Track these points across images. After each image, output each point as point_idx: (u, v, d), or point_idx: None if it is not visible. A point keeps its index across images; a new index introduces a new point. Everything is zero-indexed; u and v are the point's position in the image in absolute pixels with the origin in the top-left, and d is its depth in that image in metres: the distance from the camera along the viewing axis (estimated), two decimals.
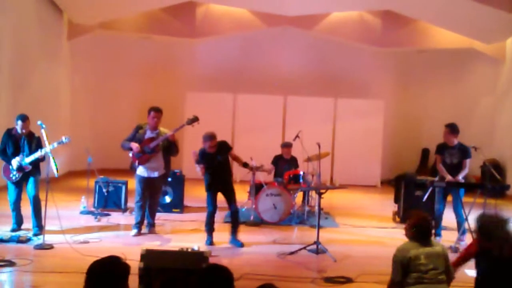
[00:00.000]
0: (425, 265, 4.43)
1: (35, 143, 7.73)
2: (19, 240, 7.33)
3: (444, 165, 8.46)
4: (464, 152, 8.40)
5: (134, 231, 8.13)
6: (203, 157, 7.78)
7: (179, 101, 15.18)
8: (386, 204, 11.36)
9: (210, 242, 7.77)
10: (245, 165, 8.39)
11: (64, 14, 13.81)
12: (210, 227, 7.88)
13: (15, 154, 7.69)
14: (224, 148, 7.88)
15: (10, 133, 7.78)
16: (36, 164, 7.78)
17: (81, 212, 9.57)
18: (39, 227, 7.62)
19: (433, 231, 4.85)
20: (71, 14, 13.81)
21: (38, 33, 12.58)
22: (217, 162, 7.74)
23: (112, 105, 16.08)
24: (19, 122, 7.66)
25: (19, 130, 7.69)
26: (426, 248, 4.50)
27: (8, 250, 6.95)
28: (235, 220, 7.92)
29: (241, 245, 7.72)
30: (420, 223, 4.64)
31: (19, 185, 7.82)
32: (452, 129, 8.44)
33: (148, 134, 8.10)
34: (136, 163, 8.09)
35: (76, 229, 8.25)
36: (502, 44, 14.10)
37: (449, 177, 8.28)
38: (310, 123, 14.12)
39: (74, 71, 14.90)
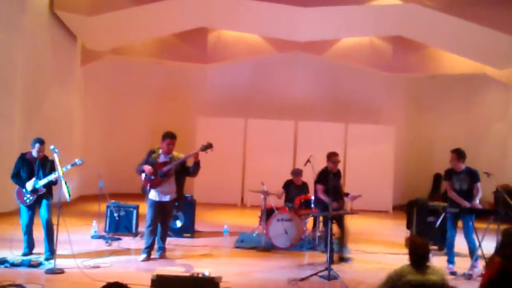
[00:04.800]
0: None
1: (49, 166, 7.76)
2: (30, 265, 7.33)
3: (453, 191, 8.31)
4: (472, 176, 8.19)
5: (143, 256, 8.09)
6: (322, 174, 8.69)
7: (191, 125, 15.22)
8: (398, 229, 11.27)
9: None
10: (345, 195, 9.09)
11: (78, 40, 14.01)
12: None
13: (30, 178, 7.74)
14: (337, 175, 8.78)
15: (24, 157, 7.85)
16: (49, 187, 7.83)
17: (92, 237, 9.56)
18: (51, 252, 7.62)
19: (430, 257, 4.78)
20: (85, 40, 14.02)
21: (52, 58, 12.77)
22: (333, 183, 8.29)
23: (124, 129, 16.17)
24: (37, 145, 7.72)
25: (35, 154, 7.75)
26: (423, 277, 4.45)
27: (19, 275, 6.95)
28: (342, 238, 8.75)
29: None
30: (415, 249, 4.65)
31: (32, 208, 7.86)
32: (459, 154, 8.23)
33: (162, 159, 8.14)
34: (148, 187, 8.11)
35: (87, 253, 8.24)
36: None
37: (465, 203, 8.05)
38: (321, 148, 13.99)
39: (87, 96, 15.05)
